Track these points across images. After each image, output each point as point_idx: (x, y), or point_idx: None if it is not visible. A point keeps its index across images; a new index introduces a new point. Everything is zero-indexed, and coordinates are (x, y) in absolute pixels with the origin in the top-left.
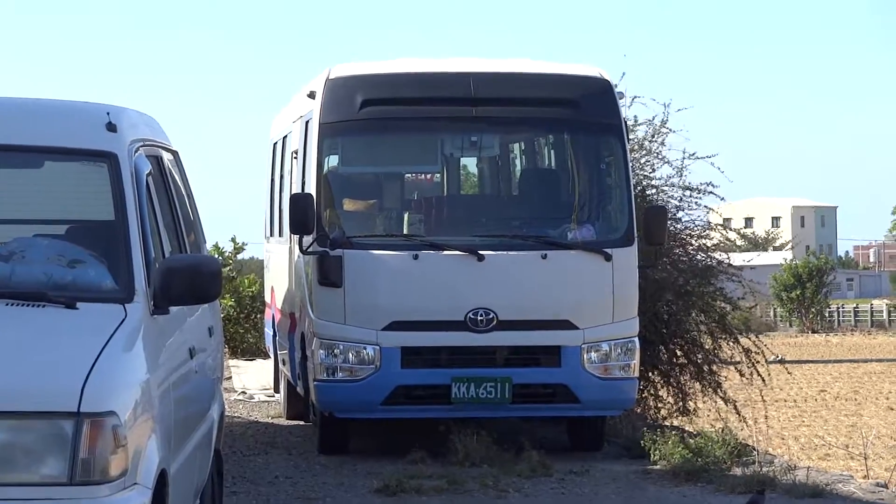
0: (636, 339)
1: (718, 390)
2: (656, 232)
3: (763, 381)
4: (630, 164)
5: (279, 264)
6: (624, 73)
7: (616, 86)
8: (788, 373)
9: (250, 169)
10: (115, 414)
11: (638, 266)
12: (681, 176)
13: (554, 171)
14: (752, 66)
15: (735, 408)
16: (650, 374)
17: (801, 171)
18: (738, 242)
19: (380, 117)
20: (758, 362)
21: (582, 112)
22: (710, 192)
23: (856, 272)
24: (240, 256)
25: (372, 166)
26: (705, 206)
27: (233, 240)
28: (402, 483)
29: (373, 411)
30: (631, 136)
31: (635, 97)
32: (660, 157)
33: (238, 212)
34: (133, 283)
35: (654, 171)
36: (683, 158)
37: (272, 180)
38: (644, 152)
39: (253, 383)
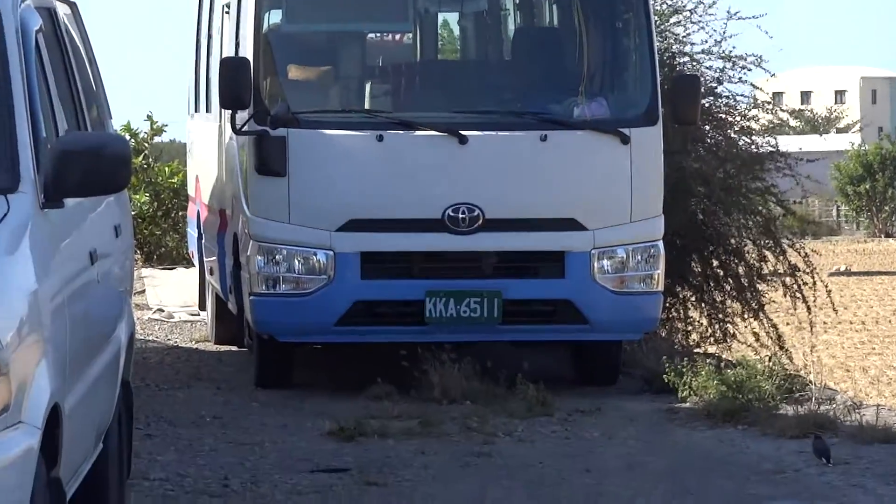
0: (660, 244)
1: (762, 312)
2: (686, 108)
3: (808, 307)
4: (655, 24)
5: (206, 148)
6: None
7: None
8: (855, 287)
9: (172, 28)
10: None
11: (663, 151)
12: (721, 43)
13: (557, 31)
14: None
15: (776, 333)
16: (678, 289)
17: (872, 34)
18: (792, 123)
19: None
20: (804, 283)
21: None
22: (759, 66)
23: None
24: (158, 140)
25: (325, 23)
26: (751, 84)
27: (149, 118)
28: (362, 424)
29: (325, 334)
30: None
31: None
32: (693, 19)
33: (156, 83)
34: (17, 168)
35: (687, 35)
36: (727, 19)
37: (198, 41)
38: (673, 12)
39: (172, 299)
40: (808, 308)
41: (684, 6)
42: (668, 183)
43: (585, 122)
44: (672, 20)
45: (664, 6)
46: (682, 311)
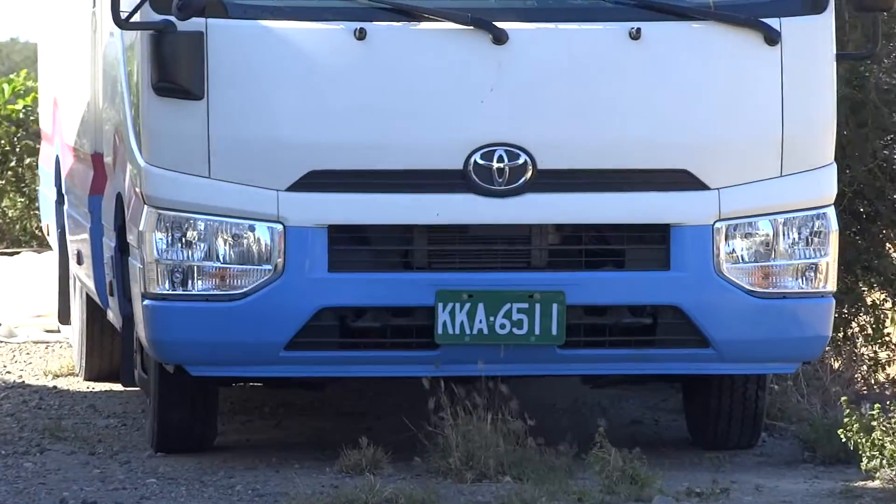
0: (831, 213)
1: None
2: None
3: None
4: None
5: (70, 52)
6: None
7: None
8: None
9: None
10: None
11: (835, 57)
12: None
13: None
14: None
15: None
16: (861, 287)
17: None
18: None
19: None
20: None
21: None
22: None
23: None
24: None
25: None
26: None
27: None
28: None
29: (268, 364)
30: None
31: None
32: None
33: None
34: None
35: None
36: None
37: None
38: None
39: (14, 304)
40: None
41: None
42: (842, 111)
43: (707, 9)
44: None
45: None
46: (869, 324)
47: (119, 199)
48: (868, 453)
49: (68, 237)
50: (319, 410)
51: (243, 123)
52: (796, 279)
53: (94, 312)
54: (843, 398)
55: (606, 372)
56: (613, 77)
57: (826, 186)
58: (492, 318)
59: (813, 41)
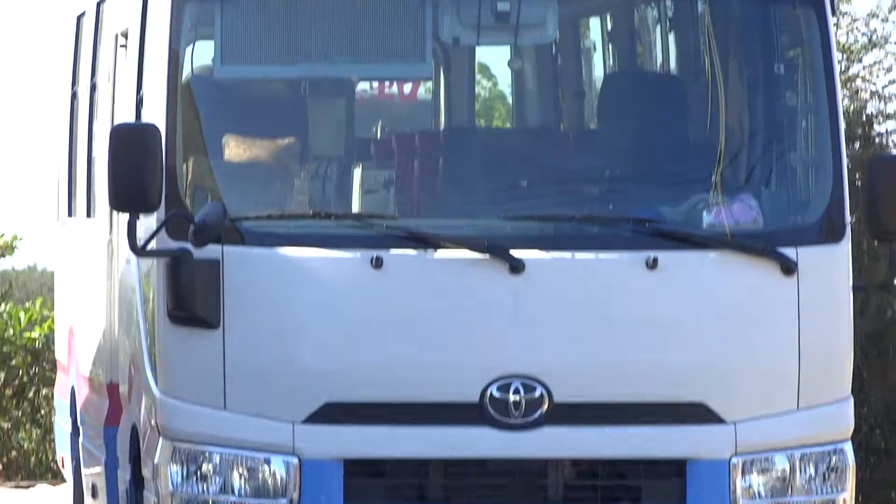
0: (848, 449)
1: None
2: (893, 211)
3: None
4: (837, 69)
5: (87, 278)
6: None
7: None
8: None
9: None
10: None
11: (853, 286)
12: None
13: (674, 80)
14: None
15: None
16: None
17: None
18: None
19: None
20: None
21: None
22: None
23: None
24: (6, 266)
25: (286, 64)
26: None
27: None
28: None
29: None
30: (842, 8)
31: None
32: None
33: (2, 169)
34: None
35: (891, 82)
36: None
37: (73, 96)
38: (871, 46)
39: None
40: None
41: (889, 37)
42: (858, 339)
43: (722, 237)
44: (867, 60)
45: (855, 37)
46: None
47: (134, 430)
48: None
49: (83, 470)
50: None
51: (259, 353)
52: None
53: None
54: None
55: None
56: (630, 308)
57: (843, 420)
58: None
59: (830, 271)
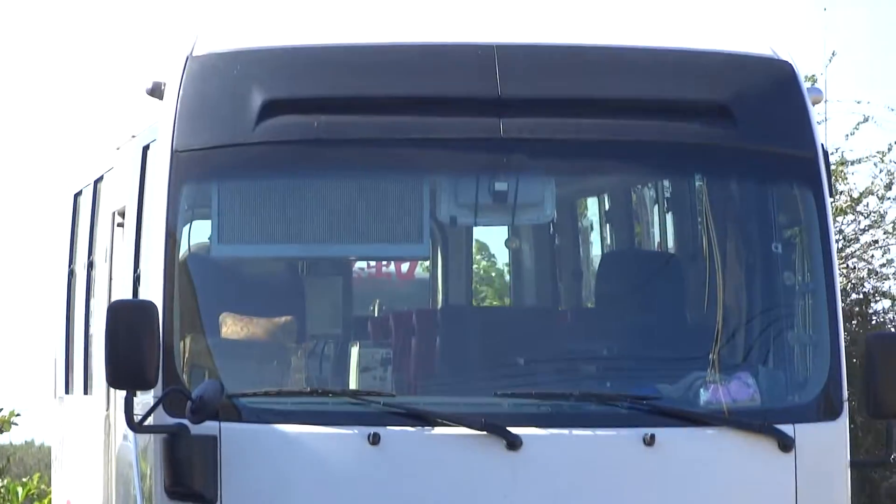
0: None
1: None
2: (891, 388)
3: None
4: (835, 245)
5: (84, 454)
6: (832, 58)
7: (809, 80)
8: None
9: (31, 249)
10: None
11: (851, 463)
12: None
13: (672, 259)
14: None
15: None
16: None
17: None
18: None
19: (300, 139)
20: None
21: (734, 132)
22: None
23: None
24: (4, 440)
25: (282, 244)
26: None
27: None
28: None
29: None
30: (839, 186)
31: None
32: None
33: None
34: None
35: (889, 261)
36: None
37: (71, 274)
38: (866, 221)
39: None
40: None
41: (885, 215)
42: None
43: (720, 414)
44: (864, 239)
45: (854, 217)
46: None
47: None
48: None
49: None
50: None
51: None
52: None
53: None
54: None
55: None
56: (627, 485)
57: None
58: None
59: (827, 447)
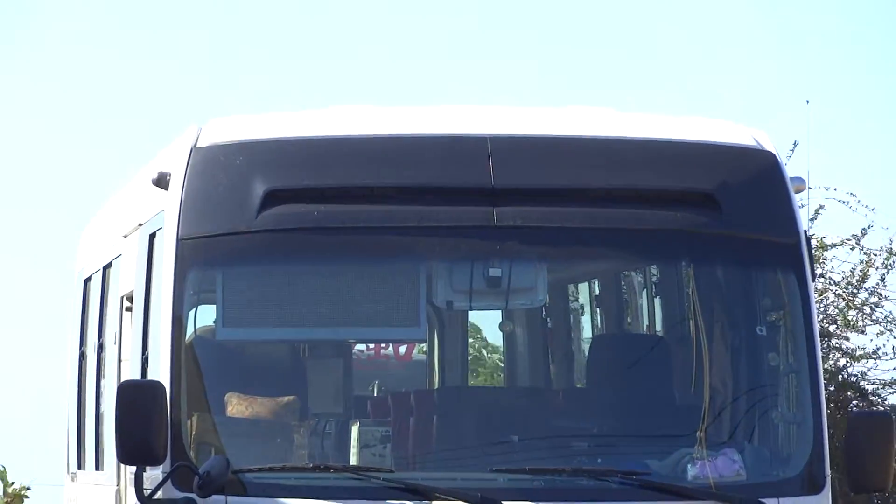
0: None
1: None
2: (871, 465)
3: None
4: (817, 327)
5: None
6: (794, 148)
7: (787, 166)
8: None
9: (44, 333)
10: None
11: None
12: None
13: (660, 342)
14: None
15: None
16: None
17: None
18: None
19: (300, 227)
20: None
21: (720, 220)
22: None
23: None
24: None
25: (284, 327)
26: None
27: (0, 476)
28: None
29: None
30: (820, 270)
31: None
32: (874, 316)
33: (13, 423)
34: None
35: (867, 355)
36: None
37: (81, 356)
38: (843, 303)
39: None
40: None
41: (867, 300)
42: None
43: (707, 489)
44: (841, 318)
45: (834, 301)
46: None
47: None
48: None
49: None
50: None
51: None
52: None
53: None
54: None
55: None
56: None
57: None
58: None
59: None
